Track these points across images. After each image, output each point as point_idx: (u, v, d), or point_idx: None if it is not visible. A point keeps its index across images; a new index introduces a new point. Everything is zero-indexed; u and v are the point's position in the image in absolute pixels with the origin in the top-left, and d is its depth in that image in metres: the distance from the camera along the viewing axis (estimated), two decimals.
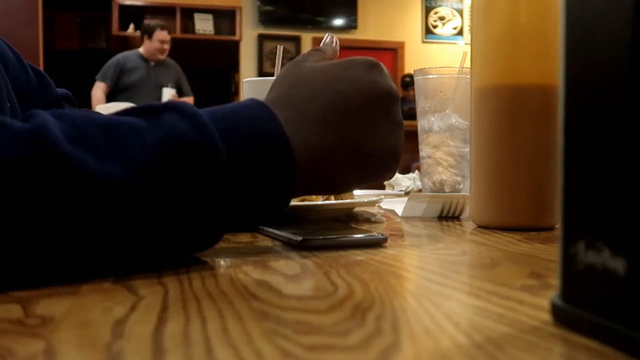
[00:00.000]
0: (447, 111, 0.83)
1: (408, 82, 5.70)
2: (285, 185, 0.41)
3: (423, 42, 6.77)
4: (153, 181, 0.36)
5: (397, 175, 1.08)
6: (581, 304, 0.24)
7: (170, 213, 0.37)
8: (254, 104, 0.42)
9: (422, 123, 0.86)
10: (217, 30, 6.08)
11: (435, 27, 6.80)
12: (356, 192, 0.75)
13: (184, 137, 0.36)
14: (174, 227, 0.38)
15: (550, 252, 0.45)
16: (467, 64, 0.69)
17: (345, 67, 0.46)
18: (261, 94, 0.86)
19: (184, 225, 0.38)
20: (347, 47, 6.60)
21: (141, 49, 4.32)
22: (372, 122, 0.45)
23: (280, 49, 0.86)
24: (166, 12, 5.92)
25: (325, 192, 0.50)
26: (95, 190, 0.34)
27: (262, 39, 6.25)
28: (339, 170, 0.44)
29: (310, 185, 0.43)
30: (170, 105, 0.39)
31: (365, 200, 0.68)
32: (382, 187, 1.09)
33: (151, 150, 0.36)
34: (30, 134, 0.34)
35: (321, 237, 0.47)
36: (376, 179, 0.48)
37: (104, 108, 3.82)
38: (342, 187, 0.47)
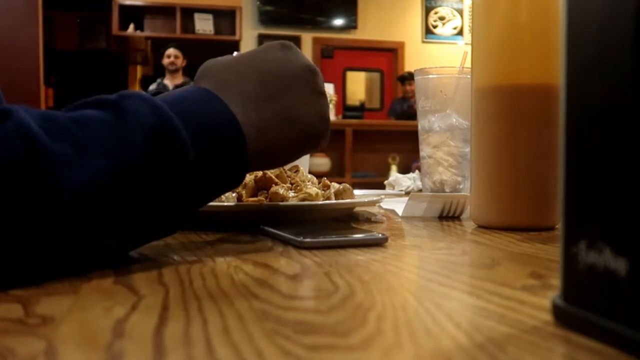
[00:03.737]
0: (448, 111, 0.83)
1: (405, 77, 5.70)
2: (240, 162, 0.43)
3: (423, 42, 6.77)
4: (135, 169, 0.37)
5: (398, 175, 1.08)
6: (582, 304, 0.24)
7: (150, 196, 0.38)
8: (197, 90, 0.44)
9: (422, 123, 0.86)
10: (217, 30, 6.07)
11: (435, 27, 6.80)
12: (356, 192, 0.75)
13: (150, 122, 0.38)
14: (154, 208, 0.39)
15: (551, 252, 0.45)
16: (468, 64, 0.69)
17: (263, 51, 0.50)
18: None
19: (162, 205, 0.40)
20: (347, 47, 6.61)
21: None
22: (299, 94, 0.49)
23: None
24: (166, 12, 5.92)
25: (270, 165, 0.52)
26: (81, 186, 0.34)
27: (262, 39, 6.25)
28: (279, 142, 0.48)
29: (257, 159, 0.46)
30: (125, 94, 0.40)
31: (366, 200, 0.68)
32: (382, 187, 1.09)
33: (127, 140, 0.37)
34: (16, 132, 0.33)
35: (322, 237, 0.47)
36: (313, 145, 0.51)
37: None
38: (284, 158, 0.51)
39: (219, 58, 0.51)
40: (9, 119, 0.34)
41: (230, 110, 0.43)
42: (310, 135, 0.49)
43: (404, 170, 4.73)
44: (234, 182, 0.45)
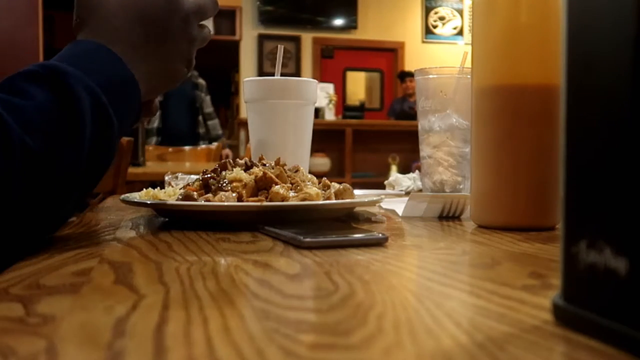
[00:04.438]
0: (448, 111, 0.83)
1: (405, 74, 5.71)
2: (137, 109, 0.57)
3: (423, 42, 6.78)
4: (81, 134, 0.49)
5: (398, 175, 1.08)
6: (582, 304, 0.24)
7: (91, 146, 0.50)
8: (99, 49, 0.54)
9: (422, 123, 0.86)
10: (217, 30, 6.07)
11: (435, 27, 6.80)
12: (357, 192, 0.75)
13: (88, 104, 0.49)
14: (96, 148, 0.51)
15: (551, 251, 0.45)
16: (468, 64, 0.69)
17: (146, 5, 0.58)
18: (261, 94, 0.86)
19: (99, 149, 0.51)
20: (347, 47, 6.61)
21: None
22: (176, 45, 0.60)
23: (280, 49, 0.86)
24: None
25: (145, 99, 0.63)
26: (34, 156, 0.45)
27: (262, 39, 6.25)
28: (157, 88, 0.61)
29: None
30: (58, 71, 0.49)
31: (366, 200, 0.68)
32: (383, 187, 1.09)
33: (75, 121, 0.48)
34: None
35: (322, 237, 0.47)
36: (176, 84, 0.64)
37: None
38: (156, 95, 0.64)
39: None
40: None
41: (129, 70, 0.55)
42: (178, 79, 0.63)
43: (404, 170, 4.73)
44: (132, 123, 0.58)
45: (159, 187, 0.77)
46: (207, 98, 4.82)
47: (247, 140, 4.01)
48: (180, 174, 0.86)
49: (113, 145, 0.53)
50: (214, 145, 3.72)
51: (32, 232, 0.49)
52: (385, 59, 6.81)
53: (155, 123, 4.60)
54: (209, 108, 4.81)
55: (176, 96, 4.52)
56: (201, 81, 4.81)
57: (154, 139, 4.56)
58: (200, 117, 4.78)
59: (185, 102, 4.73)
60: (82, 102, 0.49)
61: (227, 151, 4.71)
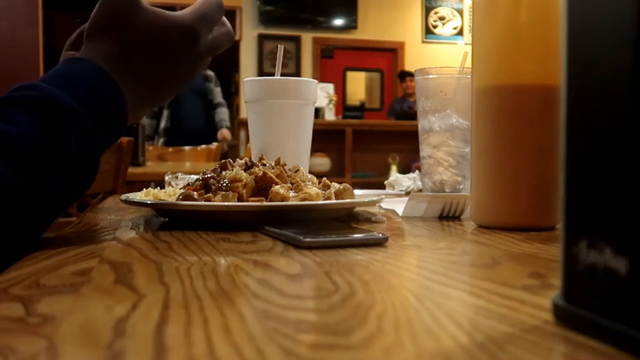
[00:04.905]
0: (448, 111, 0.83)
1: (405, 73, 5.71)
2: (121, 128, 0.57)
3: (423, 42, 6.78)
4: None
5: (398, 175, 1.08)
6: (583, 304, 0.24)
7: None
8: (102, 80, 0.54)
9: (422, 123, 0.86)
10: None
11: (435, 27, 6.80)
12: (357, 192, 0.75)
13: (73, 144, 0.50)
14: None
15: (551, 252, 0.45)
16: (468, 64, 0.69)
17: (169, 44, 0.59)
18: (261, 94, 0.86)
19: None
20: (347, 47, 6.61)
21: None
22: (183, 79, 0.62)
23: (280, 49, 0.86)
24: None
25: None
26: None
27: (262, 39, 6.25)
28: (149, 101, 0.62)
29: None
30: (43, 99, 0.49)
31: (366, 200, 0.68)
32: (383, 187, 1.09)
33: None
34: None
35: (322, 237, 0.47)
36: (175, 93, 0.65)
37: None
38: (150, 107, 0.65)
39: (128, 18, 0.57)
40: None
41: (125, 108, 0.56)
42: (178, 91, 0.64)
43: (404, 170, 4.73)
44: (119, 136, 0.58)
45: (158, 187, 0.77)
46: (217, 89, 4.72)
47: (247, 140, 4.01)
48: (180, 174, 0.86)
49: (95, 169, 0.53)
50: (214, 145, 3.71)
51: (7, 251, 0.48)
52: (385, 59, 6.81)
53: (163, 123, 4.52)
54: (218, 98, 4.71)
55: (188, 91, 4.40)
56: (210, 72, 4.67)
57: (162, 140, 4.48)
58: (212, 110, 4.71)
59: (198, 96, 4.63)
60: (69, 137, 0.49)
61: (225, 132, 4.64)
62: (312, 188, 0.64)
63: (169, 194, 0.69)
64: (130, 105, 0.56)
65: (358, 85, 6.88)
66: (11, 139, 0.46)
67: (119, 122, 0.56)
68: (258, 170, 0.64)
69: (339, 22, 6.59)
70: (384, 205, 0.80)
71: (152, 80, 0.60)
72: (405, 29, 6.71)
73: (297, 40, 6.41)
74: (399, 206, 0.74)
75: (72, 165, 0.50)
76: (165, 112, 4.54)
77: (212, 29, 0.62)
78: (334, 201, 0.64)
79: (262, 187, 0.63)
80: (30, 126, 0.47)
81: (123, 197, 0.68)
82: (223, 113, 4.74)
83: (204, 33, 0.60)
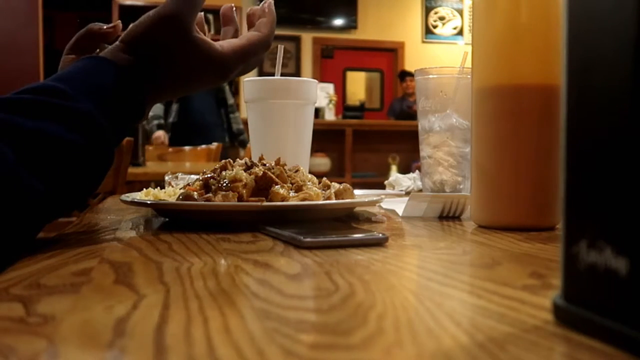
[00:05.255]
0: (448, 111, 0.83)
1: (405, 73, 5.71)
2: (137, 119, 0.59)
3: (423, 42, 6.78)
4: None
5: (398, 175, 1.08)
6: (583, 304, 0.24)
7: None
8: (124, 81, 0.56)
9: (422, 123, 0.86)
10: (218, 30, 6.05)
11: (435, 27, 6.80)
12: (357, 192, 0.75)
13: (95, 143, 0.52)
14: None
15: (552, 251, 0.45)
16: (468, 64, 0.69)
17: (205, 74, 0.62)
18: (261, 94, 0.86)
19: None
20: (347, 47, 6.61)
21: None
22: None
23: (280, 49, 0.86)
24: None
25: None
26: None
27: None
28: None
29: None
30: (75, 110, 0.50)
31: (366, 200, 0.68)
32: (383, 187, 1.09)
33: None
34: None
35: (322, 237, 0.47)
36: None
37: None
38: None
39: (170, 46, 0.58)
40: None
41: (144, 108, 0.59)
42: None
43: (404, 170, 4.73)
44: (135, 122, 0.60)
45: (158, 187, 0.77)
46: (227, 88, 4.50)
47: (247, 140, 3.98)
48: (180, 174, 0.86)
49: (111, 155, 0.55)
50: (214, 145, 3.69)
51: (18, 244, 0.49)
52: (385, 59, 6.81)
53: (171, 118, 4.30)
54: (230, 99, 4.51)
55: None
56: None
57: (169, 135, 4.27)
58: (223, 110, 4.48)
59: (208, 91, 4.38)
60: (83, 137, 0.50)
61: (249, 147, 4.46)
62: (312, 188, 0.64)
63: (169, 194, 0.69)
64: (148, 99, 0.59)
65: (358, 85, 6.88)
66: (26, 132, 0.47)
67: (133, 118, 0.58)
68: (258, 170, 0.64)
69: (339, 22, 6.59)
70: (384, 205, 0.80)
71: (173, 89, 0.62)
72: (405, 29, 6.71)
73: (297, 40, 6.41)
74: (399, 206, 0.74)
75: (87, 159, 0.51)
76: (174, 107, 4.36)
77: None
78: (334, 201, 0.64)
79: (262, 187, 0.63)
80: (47, 126, 0.48)
81: (123, 197, 0.68)
82: (239, 121, 4.51)
83: (237, 69, 0.63)
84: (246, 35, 0.65)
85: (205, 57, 0.60)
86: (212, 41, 0.61)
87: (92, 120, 0.51)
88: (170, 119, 4.31)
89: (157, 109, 4.15)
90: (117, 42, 0.59)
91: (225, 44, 0.62)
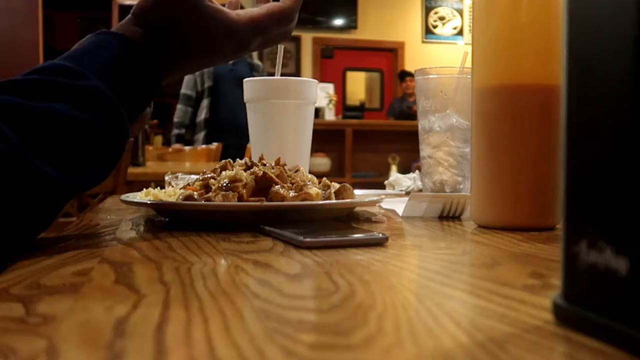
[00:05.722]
0: (448, 111, 0.83)
1: (405, 73, 5.71)
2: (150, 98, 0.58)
3: (423, 42, 6.78)
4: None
5: (398, 175, 1.08)
6: (583, 304, 0.24)
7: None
8: (135, 53, 0.55)
9: (422, 123, 0.86)
10: None
11: (435, 27, 6.80)
12: (357, 192, 0.75)
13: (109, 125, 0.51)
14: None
15: (552, 251, 0.45)
16: (468, 64, 0.69)
17: (220, 51, 0.60)
18: (261, 94, 0.86)
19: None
20: (347, 47, 6.61)
21: None
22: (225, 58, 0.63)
23: (280, 49, 0.86)
24: None
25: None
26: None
27: None
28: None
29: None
30: (87, 89, 0.49)
31: (366, 200, 0.68)
32: (383, 187, 1.09)
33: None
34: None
35: (322, 237, 0.47)
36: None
37: None
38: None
39: (182, 19, 0.57)
40: None
41: (160, 82, 0.58)
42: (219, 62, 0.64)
43: (404, 170, 4.73)
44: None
45: (158, 187, 0.77)
46: None
47: (248, 140, 3.93)
48: (180, 174, 0.86)
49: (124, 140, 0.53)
50: (214, 145, 3.67)
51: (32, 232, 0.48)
52: (385, 59, 6.81)
53: (203, 114, 3.85)
54: None
55: (231, 80, 3.75)
56: (257, 62, 3.99)
57: (202, 133, 3.85)
58: None
59: (239, 85, 4.02)
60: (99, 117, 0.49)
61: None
62: (312, 188, 0.64)
63: (169, 194, 0.69)
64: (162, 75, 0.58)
65: (358, 85, 6.88)
66: (45, 129, 0.46)
67: (147, 96, 0.57)
68: (258, 170, 0.64)
69: (338, 22, 6.59)
70: (384, 205, 0.80)
71: (189, 60, 0.60)
72: (405, 29, 6.71)
73: (297, 40, 6.41)
74: (399, 206, 0.74)
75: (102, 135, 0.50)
76: (205, 102, 3.87)
77: (267, 34, 0.61)
78: (334, 201, 0.64)
79: (262, 187, 0.63)
80: (65, 111, 0.47)
81: (123, 197, 0.68)
82: None
83: (256, 41, 0.61)
84: (266, 5, 0.61)
85: (219, 26, 0.57)
86: (227, 10, 0.59)
87: (101, 96, 0.49)
88: (202, 116, 3.89)
89: (181, 112, 3.87)
90: (129, 16, 0.57)
91: (242, 12, 0.59)
